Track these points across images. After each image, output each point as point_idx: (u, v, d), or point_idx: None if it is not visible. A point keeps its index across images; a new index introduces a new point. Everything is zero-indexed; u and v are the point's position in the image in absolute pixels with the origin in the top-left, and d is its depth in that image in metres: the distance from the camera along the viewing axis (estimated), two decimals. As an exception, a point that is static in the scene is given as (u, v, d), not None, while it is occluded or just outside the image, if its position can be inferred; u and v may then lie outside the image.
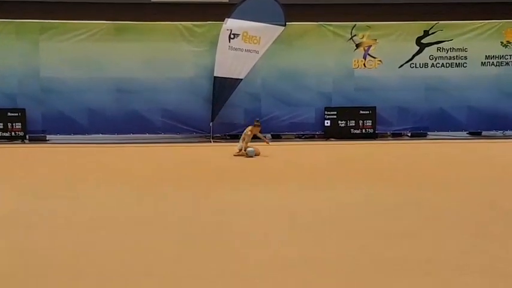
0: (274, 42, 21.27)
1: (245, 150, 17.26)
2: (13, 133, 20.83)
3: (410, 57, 21.67)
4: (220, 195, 11.22)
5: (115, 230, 8.70)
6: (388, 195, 11.13)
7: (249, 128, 17.83)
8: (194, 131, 21.49)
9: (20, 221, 9.29)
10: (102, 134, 21.24)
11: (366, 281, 6.83)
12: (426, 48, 21.69)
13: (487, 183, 12.75)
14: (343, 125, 21.58)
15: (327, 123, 21.55)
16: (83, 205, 10.41)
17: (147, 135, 21.31)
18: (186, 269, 7.19)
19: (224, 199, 10.90)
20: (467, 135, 22.28)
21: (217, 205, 10.35)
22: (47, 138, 21.34)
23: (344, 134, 21.39)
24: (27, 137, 21.05)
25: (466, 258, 7.54)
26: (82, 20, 21.02)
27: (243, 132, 20.90)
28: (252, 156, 17.02)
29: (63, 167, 15.44)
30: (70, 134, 21.11)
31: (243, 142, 17.46)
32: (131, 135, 21.32)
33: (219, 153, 17.57)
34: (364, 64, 21.64)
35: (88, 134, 21.20)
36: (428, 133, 22.16)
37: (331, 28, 21.56)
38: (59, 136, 21.20)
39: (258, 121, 18.15)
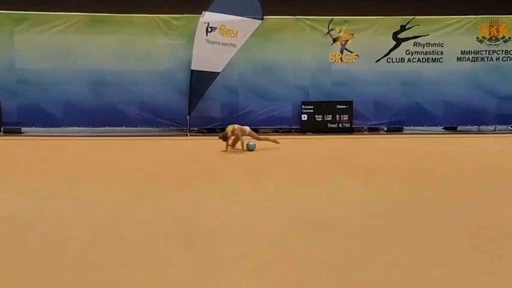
0: (251, 36, 21.23)
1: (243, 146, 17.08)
2: (-12, 125, 20.65)
3: (387, 52, 21.76)
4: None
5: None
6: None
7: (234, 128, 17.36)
8: (171, 124, 21.42)
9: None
10: (77, 126, 21.05)
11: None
12: (403, 43, 21.79)
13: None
14: (320, 119, 21.61)
15: (304, 117, 21.58)
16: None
17: (124, 128, 21.16)
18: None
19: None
20: (443, 130, 22.44)
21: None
22: (22, 131, 21.11)
23: (321, 129, 21.43)
24: (1, 129, 20.85)
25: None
26: (58, 11, 20.79)
27: (220, 125, 21.11)
28: (252, 150, 16.88)
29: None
30: (45, 127, 20.94)
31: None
32: (107, 128, 21.16)
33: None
34: (341, 58, 21.69)
35: (63, 126, 21.01)
36: (405, 128, 22.27)
37: (308, 22, 21.59)
38: (34, 128, 20.98)
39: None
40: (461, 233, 8.55)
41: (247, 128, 17.27)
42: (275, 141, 17.51)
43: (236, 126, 17.14)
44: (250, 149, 16.86)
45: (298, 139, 20.14)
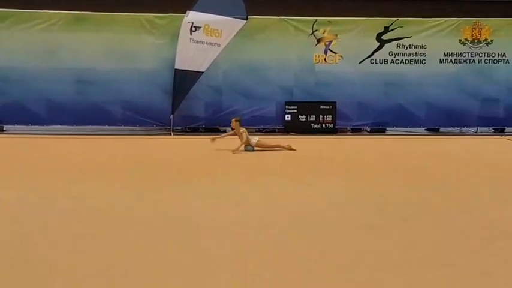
0: (235, 35, 21.25)
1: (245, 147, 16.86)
2: (-31, 123, 20.52)
3: (370, 53, 21.84)
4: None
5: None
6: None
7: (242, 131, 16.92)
8: (154, 123, 21.38)
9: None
10: (60, 125, 20.96)
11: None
12: (386, 45, 21.88)
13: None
14: (303, 119, 21.66)
15: (288, 117, 21.64)
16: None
17: (107, 126, 21.10)
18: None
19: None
20: (425, 131, 22.58)
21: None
22: (4, 129, 21.00)
23: (304, 129, 21.47)
24: (-17, 126, 20.75)
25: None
26: (41, 9, 20.68)
27: (204, 125, 21.18)
28: (251, 150, 16.72)
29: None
30: (28, 125, 20.81)
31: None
32: (90, 126, 21.09)
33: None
34: (324, 59, 21.75)
35: (46, 124, 20.90)
36: (387, 129, 22.37)
37: (292, 23, 21.64)
38: (16, 127, 20.86)
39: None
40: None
41: (254, 140, 16.88)
42: (290, 148, 16.94)
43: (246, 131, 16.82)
44: (248, 149, 16.77)
45: (282, 139, 20.06)
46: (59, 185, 11.86)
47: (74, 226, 8.71)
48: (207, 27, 21.03)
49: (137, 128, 21.36)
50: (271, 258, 7.52)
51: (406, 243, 8.15)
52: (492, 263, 7.43)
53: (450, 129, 22.67)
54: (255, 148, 16.70)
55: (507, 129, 22.52)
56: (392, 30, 21.85)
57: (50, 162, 14.88)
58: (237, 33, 21.25)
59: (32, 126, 20.79)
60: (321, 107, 21.68)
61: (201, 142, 18.30)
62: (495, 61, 22.07)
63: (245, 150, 16.67)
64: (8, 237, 8.23)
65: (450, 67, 21.99)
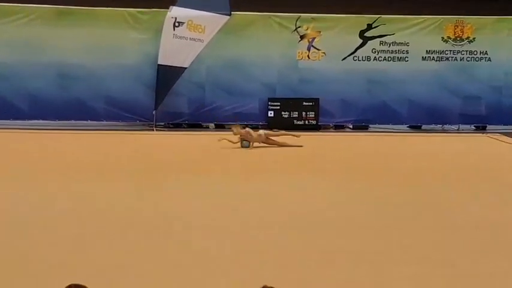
0: (219, 31, 21.16)
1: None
2: (-50, 118, 20.26)
3: (353, 50, 21.81)
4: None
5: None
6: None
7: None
8: (137, 119, 21.26)
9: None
10: (42, 120, 20.79)
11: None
12: (369, 42, 21.85)
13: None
14: (286, 116, 21.63)
15: (271, 114, 21.58)
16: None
17: (89, 122, 20.97)
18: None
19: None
20: (408, 128, 22.62)
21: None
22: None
23: (287, 125, 21.28)
24: (-36, 121, 20.50)
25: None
26: (24, 3, 20.49)
27: (186, 121, 21.19)
28: (247, 147, 16.84)
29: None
30: (9, 119, 20.60)
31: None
32: (72, 121, 20.93)
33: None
34: (308, 56, 21.73)
35: (28, 119, 20.75)
36: (370, 126, 22.39)
37: (276, 19, 21.60)
38: (-2, 121, 20.70)
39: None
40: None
41: (260, 133, 17.37)
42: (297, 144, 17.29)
43: (246, 129, 17.29)
44: (244, 145, 16.87)
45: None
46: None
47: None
48: (190, 22, 20.94)
49: (120, 123, 21.24)
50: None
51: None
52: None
53: (432, 126, 22.72)
54: (261, 143, 16.87)
55: (488, 127, 22.58)
56: (375, 27, 21.83)
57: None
58: (221, 29, 21.14)
59: (14, 121, 20.59)
60: (304, 103, 21.65)
61: (191, 139, 18.27)
62: (477, 59, 22.12)
63: (242, 146, 16.78)
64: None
65: (432, 65, 22.01)
